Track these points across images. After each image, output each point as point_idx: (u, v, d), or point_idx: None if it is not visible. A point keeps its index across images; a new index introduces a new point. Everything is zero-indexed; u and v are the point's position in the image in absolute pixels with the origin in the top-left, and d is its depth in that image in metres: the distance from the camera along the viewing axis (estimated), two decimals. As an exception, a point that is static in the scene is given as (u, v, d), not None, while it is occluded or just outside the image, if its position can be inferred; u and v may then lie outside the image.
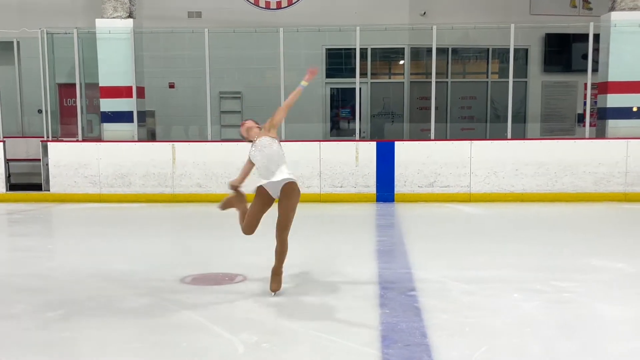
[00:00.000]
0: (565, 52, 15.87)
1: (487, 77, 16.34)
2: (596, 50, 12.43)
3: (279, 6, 16.07)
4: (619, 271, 6.71)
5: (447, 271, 6.68)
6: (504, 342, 4.66)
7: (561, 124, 16.31)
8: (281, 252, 5.85)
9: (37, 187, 12.61)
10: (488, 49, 16.19)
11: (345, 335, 4.80)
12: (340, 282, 6.36)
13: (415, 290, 6.00)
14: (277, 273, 5.90)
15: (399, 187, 11.89)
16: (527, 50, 16.25)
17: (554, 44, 16.21)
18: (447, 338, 4.75)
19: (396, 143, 12.00)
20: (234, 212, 6.21)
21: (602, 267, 6.87)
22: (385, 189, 11.90)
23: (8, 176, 12.77)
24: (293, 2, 16.05)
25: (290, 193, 5.80)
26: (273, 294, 5.84)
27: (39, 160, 12.58)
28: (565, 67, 15.87)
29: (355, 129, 12.61)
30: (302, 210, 10.80)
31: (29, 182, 13.14)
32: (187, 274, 6.64)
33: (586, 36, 12.10)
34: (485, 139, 13.55)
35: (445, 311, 5.37)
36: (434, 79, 12.35)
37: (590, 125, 12.44)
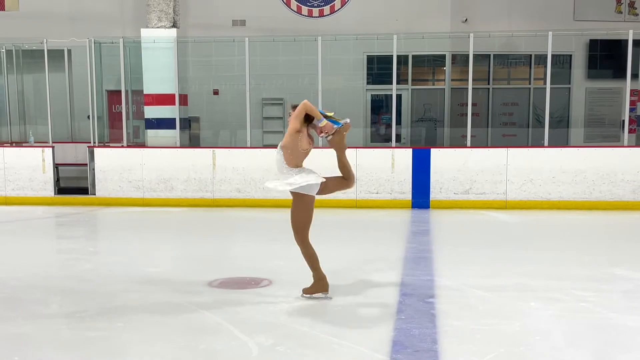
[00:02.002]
0: (611, 57, 15.72)
1: (530, 84, 16.26)
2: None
3: (321, 14, 16.29)
4: (640, 281, 6.72)
5: (469, 278, 6.78)
6: (511, 350, 4.75)
7: (606, 130, 16.14)
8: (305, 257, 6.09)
9: (84, 191, 13.11)
10: (531, 55, 16.12)
11: (358, 339, 4.96)
12: (363, 287, 6.51)
13: (434, 297, 6.12)
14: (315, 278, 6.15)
15: (435, 194, 11.97)
16: (570, 56, 16.13)
17: (598, 49, 16.07)
18: (457, 345, 4.87)
19: (432, 150, 12.09)
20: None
21: (624, 276, 6.88)
22: (420, 196, 11.99)
23: (57, 180, 13.29)
24: (335, 9, 16.25)
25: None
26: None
27: (87, 165, 13.08)
28: (614, 72, 15.70)
29: (391, 135, 12.73)
30: (337, 216, 11.16)
31: (77, 186, 13.65)
32: (215, 278, 6.89)
33: (635, 43, 11.98)
34: (521, 146, 13.50)
35: (460, 318, 5.48)
36: (470, 87, 12.37)
37: (631, 133, 12.32)
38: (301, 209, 5.93)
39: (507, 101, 16.41)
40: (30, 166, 13.00)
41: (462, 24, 15.93)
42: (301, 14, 16.32)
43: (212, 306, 5.85)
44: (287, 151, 5.91)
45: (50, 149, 13.07)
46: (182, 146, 12.99)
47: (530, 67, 16.31)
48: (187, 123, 13.63)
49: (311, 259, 6.04)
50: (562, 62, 16.20)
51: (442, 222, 10.80)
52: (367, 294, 6.26)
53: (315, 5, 16.23)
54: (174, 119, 12.94)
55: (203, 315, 5.60)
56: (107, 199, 12.75)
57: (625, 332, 5.20)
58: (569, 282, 6.59)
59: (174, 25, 13.07)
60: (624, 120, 12.54)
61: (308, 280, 6.36)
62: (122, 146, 13.14)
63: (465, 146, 12.33)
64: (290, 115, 5.99)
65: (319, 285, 6.09)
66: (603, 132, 16.16)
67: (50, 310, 5.85)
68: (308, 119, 5.92)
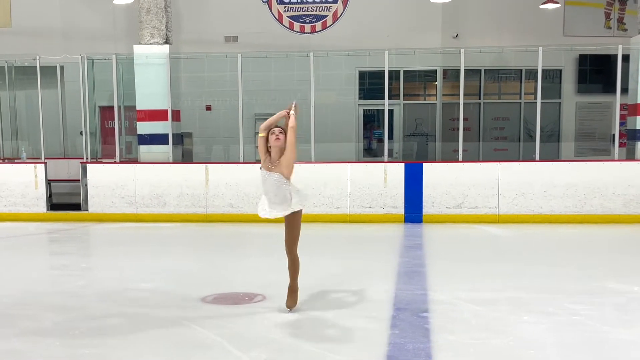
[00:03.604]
0: (601, 72, 15.85)
1: (520, 98, 16.39)
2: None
3: (313, 30, 16.38)
4: (633, 294, 6.74)
5: (462, 293, 6.80)
6: (505, 364, 4.79)
7: (596, 144, 16.25)
8: (293, 268, 6.12)
9: (77, 207, 13.07)
10: (521, 70, 16.25)
11: (352, 354, 4.98)
12: (356, 302, 6.54)
13: (428, 311, 6.14)
14: (292, 290, 6.16)
15: (427, 208, 12.00)
16: (560, 71, 16.26)
17: (588, 64, 16.21)
18: (451, 359, 4.88)
19: (424, 165, 12.14)
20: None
21: (616, 290, 6.91)
22: (413, 210, 12.02)
23: (49, 196, 13.26)
24: (327, 26, 16.35)
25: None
26: (289, 310, 6.09)
27: (79, 180, 13.06)
28: (604, 87, 15.82)
29: (384, 150, 12.78)
30: (330, 231, 11.18)
31: (69, 202, 13.61)
32: (209, 293, 6.88)
33: (624, 57, 12.08)
34: (513, 160, 13.57)
35: (454, 332, 5.49)
36: (461, 101, 12.45)
37: (621, 146, 12.40)
38: (299, 222, 6.10)
39: (498, 116, 16.52)
40: (23, 182, 12.97)
41: (452, 39, 16.06)
42: (293, 30, 16.41)
43: (206, 322, 5.85)
44: (288, 170, 6.01)
45: (43, 165, 13.05)
46: (174, 162, 12.99)
47: (520, 82, 16.43)
48: (179, 139, 13.64)
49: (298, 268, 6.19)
50: (552, 76, 16.33)
51: (435, 236, 10.82)
52: (361, 309, 6.28)
53: (307, 21, 16.33)
54: (167, 135, 12.95)
55: (197, 331, 5.60)
56: (99, 214, 12.73)
57: (618, 345, 5.23)
58: (562, 296, 6.62)
59: (167, 42, 13.11)
60: (614, 134, 12.64)
61: (301, 295, 6.37)
62: (115, 162, 13.13)
63: (457, 160, 12.38)
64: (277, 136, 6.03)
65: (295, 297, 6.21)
66: (593, 146, 16.27)
67: (43, 326, 5.83)
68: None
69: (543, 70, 12.41)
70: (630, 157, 12.28)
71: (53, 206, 13.36)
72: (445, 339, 5.33)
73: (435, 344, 5.20)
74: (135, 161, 13.28)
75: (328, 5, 16.28)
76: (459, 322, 5.79)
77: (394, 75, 15.65)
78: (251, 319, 5.97)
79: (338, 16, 16.27)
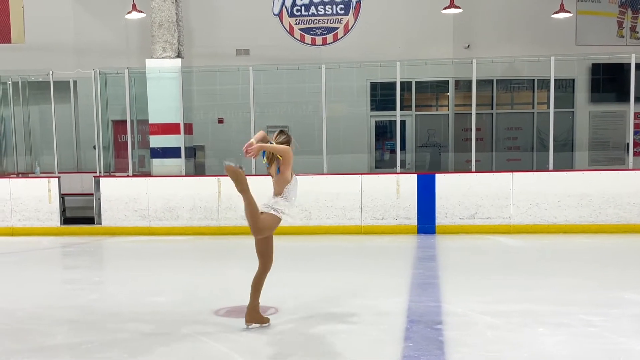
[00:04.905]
0: (614, 81, 15.75)
1: (533, 108, 16.30)
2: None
3: (324, 42, 16.40)
4: (650, 305, 6.67)
5: (476, 304, 6.73)
6: (520, 376, 4.73)
7: (610, 153, 16.14)
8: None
9: (91, 220, 13.12)
10: (534, 80, 16.18)
11: (365, 367, 4.94)
12: (368, 314, 6.48)
13: (442, 323, 6.08)
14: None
15: (440, 219, 11.95)
16: (573, 80, 16.18)
17: (601, 73, 16.12)
18: (465, 372, 4.84)
19: (437, 175, 12.10)
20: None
21: (633, 300, 6.83)
22: (426, 221, 11.97)
23: (63, 210, 13.31)
24: (338, 38, 16.36)
25: None
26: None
27: (92, 194, 13.11)
28: (617, 96, 15.72)
29: (396, 161, 12.74)
30: (342, 242, 11.14)
31: (83, 215, 13.67)
32: (221, 306, 6.87)
33: (637, 66, 12.00)
34: (527, 170, 13.50)
35: (468, 345, 5.44)
36: (474, 112, 12.42)
37: (635, 155, 12.30)
38: None
39: (511, 126, 16.45)
40: (36, 197, 13.03)
41: (464, 50, 16.02)
42: (304, 43, 16.44)
43: (219, 335, 5.83)
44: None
45: (56, 179, 13.12)
46: (187, 175, 13.03)
47: (533, 92, 16.36)
48: (192, 152, 13.69)
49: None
50: (565, 86, 16.26)
51: (448, 247, 10.77)
52: (374, 322, 6.22)
53: (319, 33, 16.36)
54: (179, 148, 13.00)
55: (209, 345, 5.58)
56: (113, 228, 12.76)
57: (634, 356, 5.15)
58: (577, 307, 6.54)
59: (179, 56, 13.19)
60: (628, 143, 12.54)
61: (314, 307, 6.34)
62: (128, 175, 13.19)
63: (470, 171, 12.33)
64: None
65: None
66: (607, 155, 16.15)
67: (56, 341, 5.83)
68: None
69: (556, 80, 12.37)
70: (644, 166, 12.20)
71: (66, 220, 13.44)
72: (459, 351, 5.27)
73: (449, 356, 5.15)
74: (148, 175, 13.34)
75: (339, 17, 16.30)
76: (474, 335, 5.73)
77: (406, 86, 15.63)
78: (264, 332, 5.94)
79: (349, 28, 16.28)
